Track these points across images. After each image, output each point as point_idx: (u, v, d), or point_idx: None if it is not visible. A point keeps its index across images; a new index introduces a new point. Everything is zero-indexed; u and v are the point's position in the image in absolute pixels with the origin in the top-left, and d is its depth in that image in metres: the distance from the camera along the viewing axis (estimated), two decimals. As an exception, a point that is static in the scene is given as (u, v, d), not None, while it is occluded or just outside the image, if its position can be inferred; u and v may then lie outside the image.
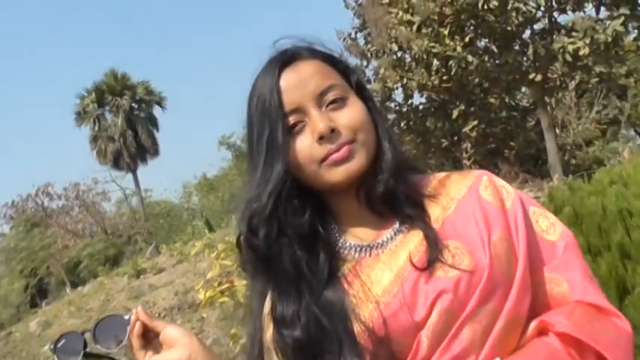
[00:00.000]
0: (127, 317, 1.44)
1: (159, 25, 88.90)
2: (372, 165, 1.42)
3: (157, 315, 12.85)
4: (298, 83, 1.41)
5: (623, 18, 15.40)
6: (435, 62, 16.36)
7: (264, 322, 1.43)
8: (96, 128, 38.76)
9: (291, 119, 1.39)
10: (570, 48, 15.01)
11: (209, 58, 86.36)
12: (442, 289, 1.32)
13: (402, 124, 18.88)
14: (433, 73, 16.60)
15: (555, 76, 16.56)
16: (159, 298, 13.07)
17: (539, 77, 15.87)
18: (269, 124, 1.39)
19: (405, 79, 17.79)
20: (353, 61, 18.97)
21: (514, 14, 15.27)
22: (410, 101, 19.28)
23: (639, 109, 25.78)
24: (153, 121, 40.26)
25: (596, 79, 17.54)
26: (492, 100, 18.35)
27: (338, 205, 1.46)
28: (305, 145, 1.38)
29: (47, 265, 33.31)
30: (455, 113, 17.62)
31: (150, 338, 1.44)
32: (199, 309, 9.93)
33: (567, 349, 1.31)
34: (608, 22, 15.44)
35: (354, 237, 1.44)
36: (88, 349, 1.48)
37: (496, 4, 14.65)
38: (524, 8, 15.29)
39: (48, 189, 35.09)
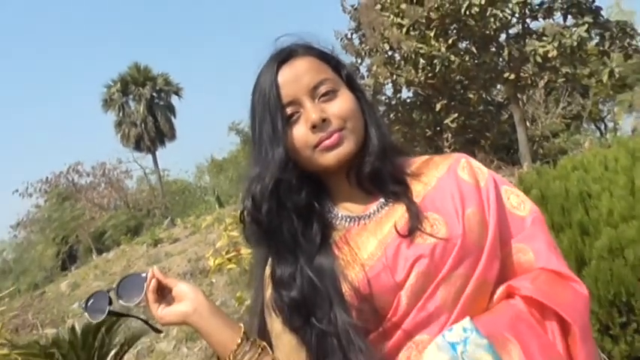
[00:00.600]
0: (144, 275, 1.47)
1: (180, 22, 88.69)
2: (361, 149, 1.44)
3: (172, 279, 12.91)
4: (294, 78, 1.43)
5: (587, 25, 15.35)
6: (422, 61, 16.26)
7: (265, 284, 1.45)
8: (120, 114, 38.90)
9: (289, 110, 1.42)
10: (541, 51, 14.96)
11: (223, 53, 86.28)
12: (420, 254, 1.35)
13: (391, 116, 18.79)
14: (420, 70, 16.51)
15: (527, 75, 16.48)
16: (173, 265, 13.09)
17: (512, 76, 15.81)
18: (269, 114, 1.41)
19: (394, 76, 17.71)
20: (348, 58, 18.99)
21: (492, 20, 15.21)
22: (398, 95, 19.17)
23: (599, 106, 25.77)
24: (171, 109, 40.31)
25: (563, 79, 17.47)
26: (471, 96, 18.26)
27: (331, 183, 1.48)
28: (300, 133, 1.41)
29: (76, 234, 33.37)
30: (438, 106, 17.55)
31: (164, 294, 1.46)
32: (209, 275, 9.95)
33: (531, 311, 1.34)
34: (574, 29, 15.37)
35: (345, 210, 1.46)
36: (112, 307, 1.51)
37: (477, 10, 14.58)
38: (500, 15, 15.19)
39: (78, 167, 35.06)
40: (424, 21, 15.69)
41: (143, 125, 38.20)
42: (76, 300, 13.54)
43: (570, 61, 15.80)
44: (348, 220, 1.45)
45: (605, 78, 16.33)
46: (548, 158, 16.60)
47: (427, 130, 19.45)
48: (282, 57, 1.45)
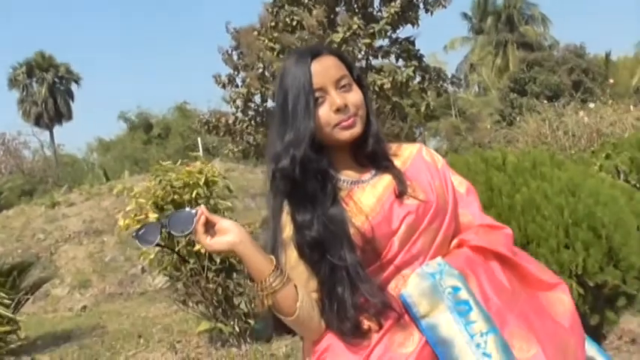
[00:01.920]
0: (193, 211, 1.42)
1: (88, 13, 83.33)
2: (363, 132, 1.54)
3: (67, 236, 12.06)
4: (323, 70, 1.50)
5: (413, 67, 16.25)
6: (287, 79, 16.35)
7: (282, 227, 1.49)
8: (24, 94, 36.54)
9: (317, 94, 1.48)
10: (379, 83, 15.56)
11: (124, 45, 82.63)
12: (409, 211, 1.49)
13: (257, 119, 18.66)
14: (285, 86, 16.58)
15: (365, 100, 17.00)
16: (70, 224, 12.27)
17: (355, 100, 16.28)
18: (304, 95, 1.47)
19: (263, 88, 17.61)
20: (226, 70, 18.74)
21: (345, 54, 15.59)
22: (265, 104, 19.09)
23: (413, 129, 27.03)
24: (70, 94, 38.47)
25: (390, 106, 18.17)
26: (322, 111, 18.55)
27: (335, 155, 1.54)
28: (324, 113, 1.49)
29: (-29, 192, 30.49)
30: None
31: (208, 228, 1.42)
32: (116, 233, 9.48)
33: (476, 254, 1.52)
34: (404, 69, 16.13)
35: (346, 176, 1.54)
36: (159, 240, 1.46)
37: (335, 45, 14.88)
38: (351, 51, 15.62)
39: (-21, 136, 32.21)
40: (293, 47, 15.73)
41: (44, 105, 36.24)
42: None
43: (399, 93, 16.50)
44: (350, 183, 1.54)
45: (422, 108, 17.25)
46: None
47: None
48: (314, 53, 1.52)
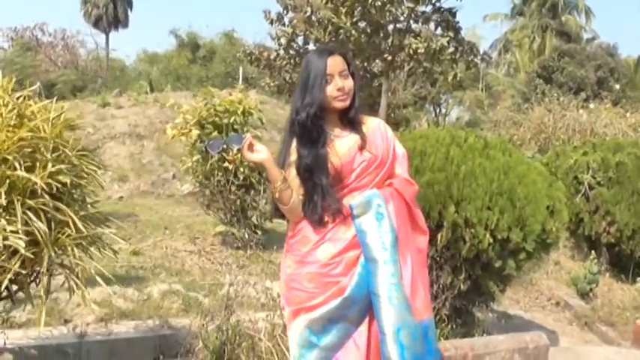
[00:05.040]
0: (244, 135, 2.17)
1: None
2: (349, 105, 2.28)
3: (113, 135, 12.89)
4: (333, 64, 2.24)
5: (449, 38, 16.39)
6: (330, 28, 16.68)
7: (290, 153, 2.25)
8: None
9: (327, 77, 2.21)
10: (414, 46, 15.82)
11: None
12: (364, 159, 2.25)
13: (297, 60, 19.09)
14: (327, 34, 16.91)
15: (399, 59, 17.29)
16: (117, 125, 13.01)
17: (390, 58, 16.63)
18: (320, 77, 2.21)
19: (307, 32, 17.96)
20: (277, 8, 18.98)
21: (387, 14, 15.85)
22: (306, 47, 19.46)
23: (440, 95, 27.26)
24: (129, 3, 38.61)
25: (421, 70, 18.47)
26: (357, 63, 18.88)
27: (330, 117, 2.30)
28: (330, 90, 2.25)
29: (30, 80, 31.40)
30: (332, 64, 17.95)
31: (250, 147, 2.19)
32: (168, 140, 10.17)
33: (396, 192, 2.27)
34: (439, 38, 16.34)
35: (332, 131, 2.29)
36: (220, 150, 2.28)
37: (379, 4, 15.19)
38: (394, 12, 15.88)
39: (42, 27, 32.85)
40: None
41: (104, 9, 36.68)
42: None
43: (431, 60, 16.80)
44: (334, 136, 2.32)
45: (450, 78, 17.58)
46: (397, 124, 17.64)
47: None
48: (330, 51, 2.30)
